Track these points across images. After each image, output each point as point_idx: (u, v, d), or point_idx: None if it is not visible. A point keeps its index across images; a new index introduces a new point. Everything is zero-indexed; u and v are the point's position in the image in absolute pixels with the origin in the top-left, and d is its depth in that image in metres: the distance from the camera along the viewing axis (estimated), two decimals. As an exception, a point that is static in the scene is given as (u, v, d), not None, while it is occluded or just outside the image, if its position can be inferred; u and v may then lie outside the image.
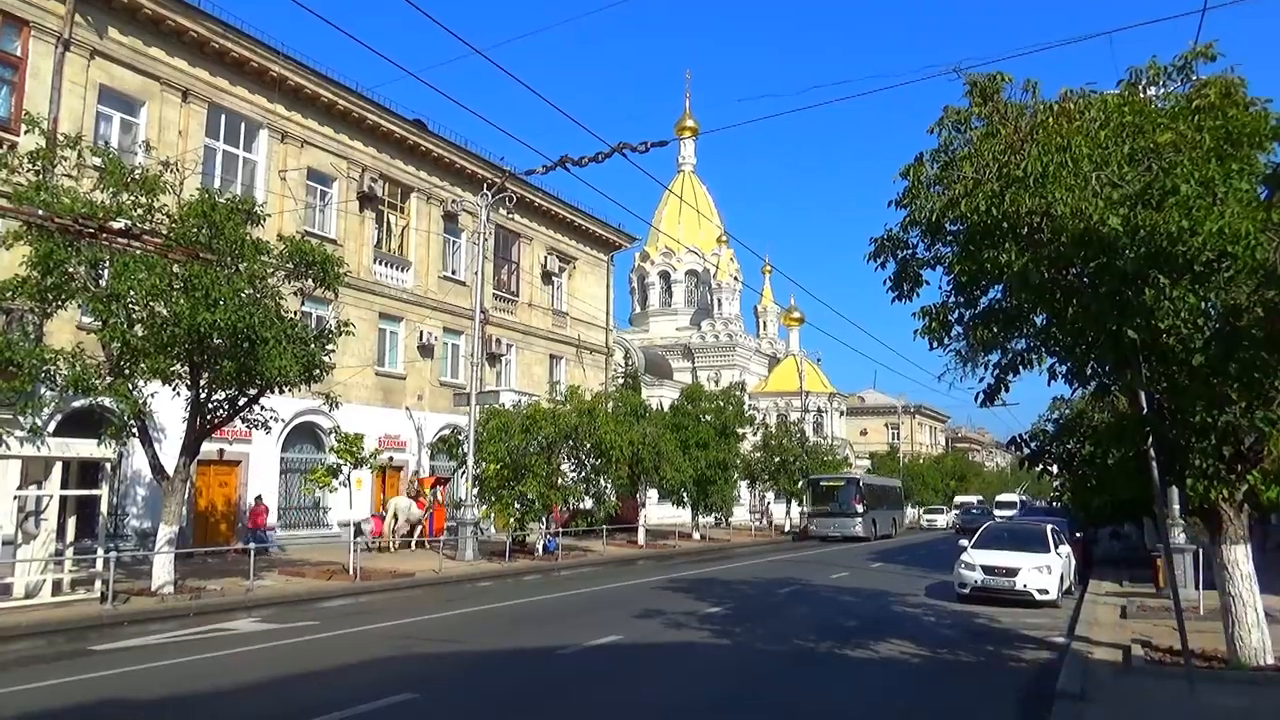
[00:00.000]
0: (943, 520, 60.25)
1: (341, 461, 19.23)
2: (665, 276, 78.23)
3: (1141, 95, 8.79)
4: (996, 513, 54.74)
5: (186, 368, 15.14)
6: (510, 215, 31.18)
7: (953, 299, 9.62)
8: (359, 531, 25.96)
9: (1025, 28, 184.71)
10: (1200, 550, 14.23)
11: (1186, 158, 7.82)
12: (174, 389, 15.51)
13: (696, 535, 37.24)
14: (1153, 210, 7.66)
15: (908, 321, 10.14)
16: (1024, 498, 68.14)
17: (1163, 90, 8.84)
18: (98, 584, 14.11)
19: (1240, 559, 9.28)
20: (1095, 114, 8.49)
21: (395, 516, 24.95)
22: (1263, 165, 8.33)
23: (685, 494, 34.32)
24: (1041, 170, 8.04)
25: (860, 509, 40.51)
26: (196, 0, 21.94)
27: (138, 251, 13.20)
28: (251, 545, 16.70)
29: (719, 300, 73.06)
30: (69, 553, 14.64)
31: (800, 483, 44.73)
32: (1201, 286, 7.75)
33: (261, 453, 23.50)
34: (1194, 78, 8.58)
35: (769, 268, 71.52)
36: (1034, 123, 8.59)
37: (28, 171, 14.41)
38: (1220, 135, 8.05)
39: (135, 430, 15.35)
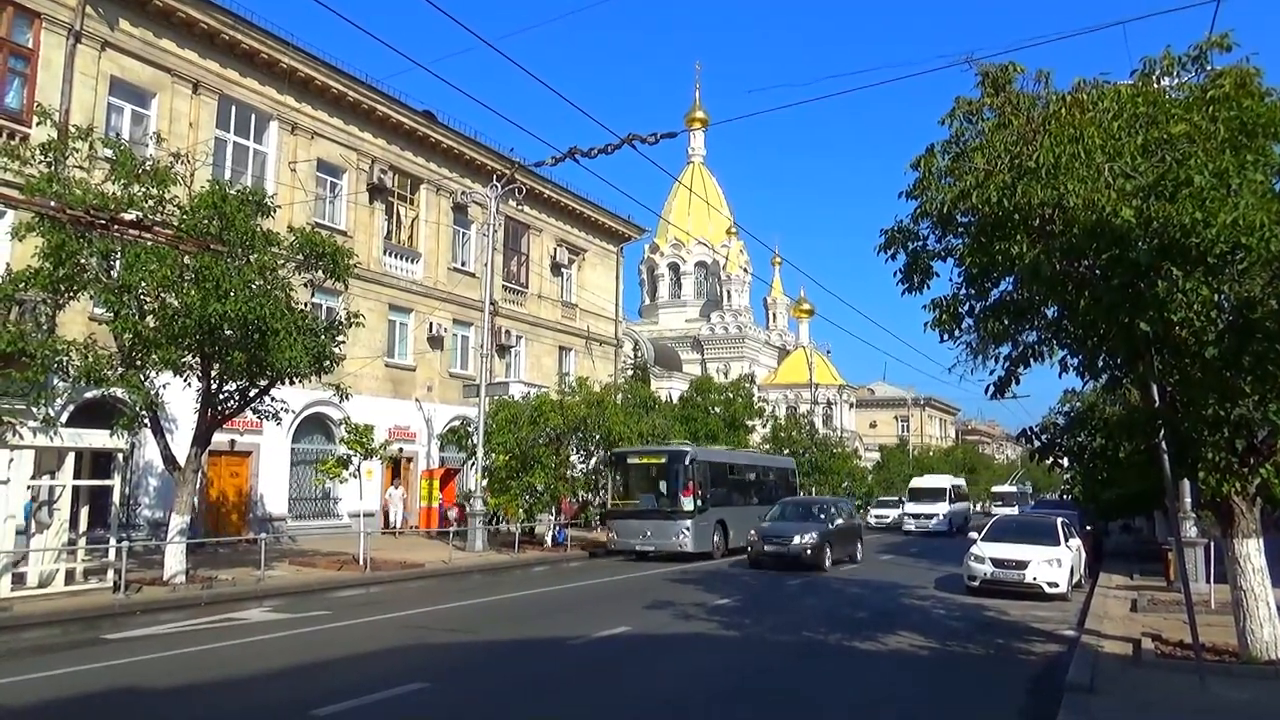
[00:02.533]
0: (897, 516, 44.91)
1: (352, 452, 19.30)
2: (675, 268, 78.24)
3: (1155, 86, 8.73)
4: (908, 510, 42.74)
5: (197, 359, 15.21)
6: (519, 207, 31.18)
7: (963, 291, 9.59)
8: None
9: (1038, 18, 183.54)
10: (1212, 544, 14.18)
11: (1200, 149, 7.76)
12: (185, 380, 15.59)
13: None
14: (1166, 202, 7.60)
15: (918, 314, 10.19)
16: (1021, 487, 65.81)
17: (1177, 81, 8.77)
18: (110, 573, 14.21)
19: (1252, 553, 9.24)
20: (1108, 105, 8.43)
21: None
22: (1278, 156, 8.25)
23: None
24: (1054, 161, 7.99)
25: (692, 505, 23.82)
26: (206, -8, 21.97)
27: (149, 243, 13.25)
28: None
29: (728, 292, 73.06)
30: (82, 542, 14.76)
31: (596, 459, 27.77)
32: (1215, 279, 7.68)
33: (272, 444, 23.58)
34: (1208, 68, 8.50)
35: (778, 259, 71.43)
36: (1046, 113, 8.53)
37: (40, 163, 14.46)
38: (1235, 126, 7.98)
39: (147, 421, 15.43)
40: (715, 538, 24.96)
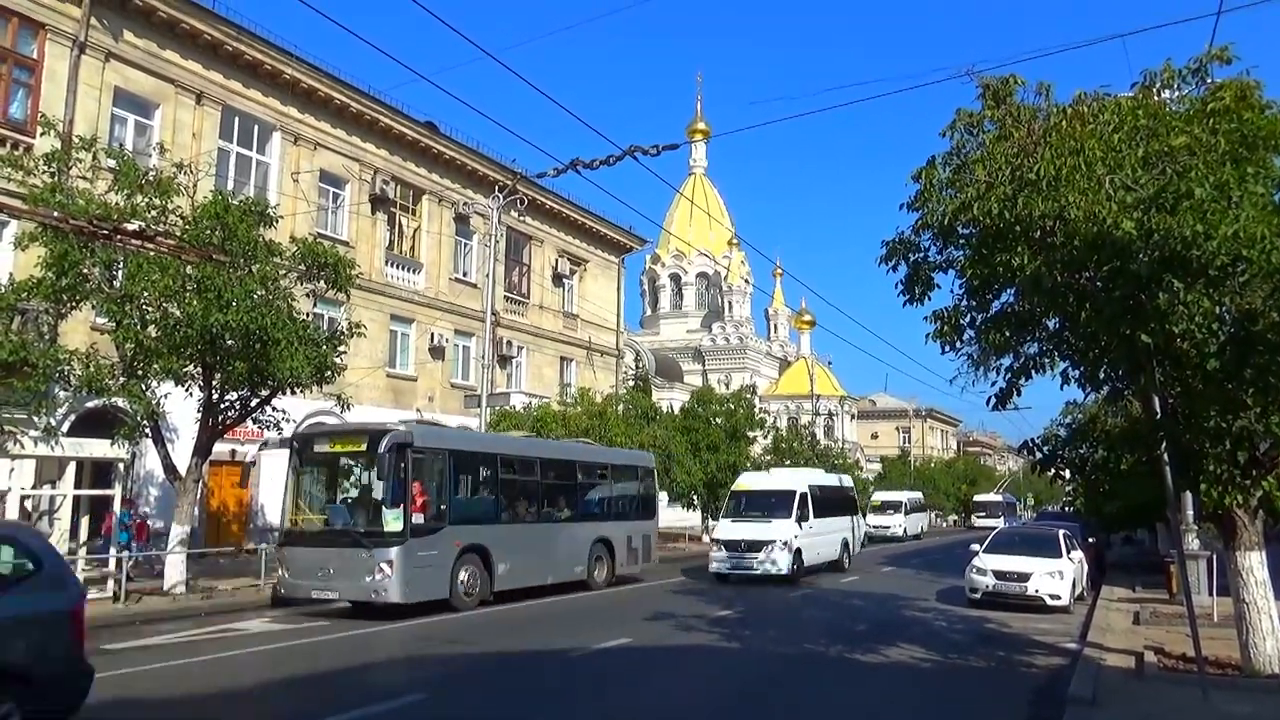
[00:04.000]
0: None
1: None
2: (676, 279, 78.33)
3: (1156, 98, 8.74)
4: (720, 534, 22.09)
5: (199, 368, 15.24)
6: (521, 217, 31.23)
7: (965, 302, 9.58)
8: None
9: (1039, 30, 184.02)
10: (1214, 556, 14.13)
11: (1201, 161, 7.77)
12: (187, 390, 15.60)
13: (707, 538, 37.13)
14: (1167, 214, 7.61)
15: (919, 325, 10.13)
16: (1008, 496, 64.29)
17: (1177, 93, 8.79)
18: (110, 583, 14.20)
19: (1255, 565, 9.21)
20: (1109, 117, 8.44)
21: None
22: (1278, 169, 8.27)
23: (695, 497, 34.34)
24: (1054, 173, 8.00)
25: (401, 522, 14.07)
26: (211, 3, 22.07)
27: (151, 253, 13.31)
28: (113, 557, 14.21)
29: (730, 303, 73.11)
30: (82, 552, 14.75)
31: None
32: (1216, 291, 7.69)
33: (273, 453, 23.52)
34: (1209, 81, 8.51)
35: (780, 270, 71.49)
36: (1047, 126, 8.54)
37: (43, 173, 14.53)
38: (1235, 139, 7.99)
39: (148, 431, 15.44)
40: (460, 577, 14.97)
